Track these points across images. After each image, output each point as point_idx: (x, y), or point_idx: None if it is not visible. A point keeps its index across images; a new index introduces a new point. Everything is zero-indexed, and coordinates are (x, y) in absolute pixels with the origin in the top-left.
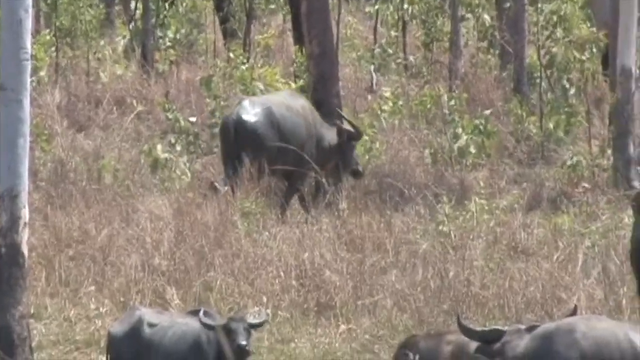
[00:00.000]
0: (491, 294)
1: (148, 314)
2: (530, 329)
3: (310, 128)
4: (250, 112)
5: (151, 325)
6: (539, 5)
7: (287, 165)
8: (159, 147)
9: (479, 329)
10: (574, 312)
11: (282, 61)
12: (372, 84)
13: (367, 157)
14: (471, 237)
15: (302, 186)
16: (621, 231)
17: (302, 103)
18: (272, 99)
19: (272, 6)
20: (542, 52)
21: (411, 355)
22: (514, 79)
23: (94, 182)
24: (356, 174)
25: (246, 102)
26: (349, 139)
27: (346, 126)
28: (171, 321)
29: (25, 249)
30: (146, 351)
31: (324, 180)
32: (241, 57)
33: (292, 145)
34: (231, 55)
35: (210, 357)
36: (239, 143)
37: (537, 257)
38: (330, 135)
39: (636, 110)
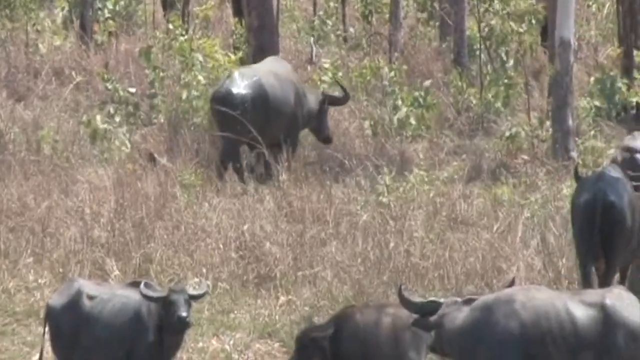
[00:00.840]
0: (431, 264)
1: (87, 286)
2: (468, 301)
3: (298, 92)
4: (240, 85)
5: (90, 297)
6: None
7: (280, 131)
8: (98, 117)
9: (417, 300)
10: (512, 283)
11: (222, 33)
12: (311, 55)
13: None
14: (411, 208)
15: (296, 149)
16: (560, 202)
17: (288, 69)
18: (260, 68)
19: None
20: (483, 24)
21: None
22: (454, 51)
23: (32, 153)
24: (327, 140)
25: (235, 75)
26: (331, 103)
27: (329, 92)
28: (110, 293)
29: None
30: (85, 323)
31: (265, 151)
32: (180, 29)
33: (284, 112)
34: (170, 26)
35: (150, 329)
36: (225, 116)
37: (476, 228)
38: (312, 99)
39: (575, 82)
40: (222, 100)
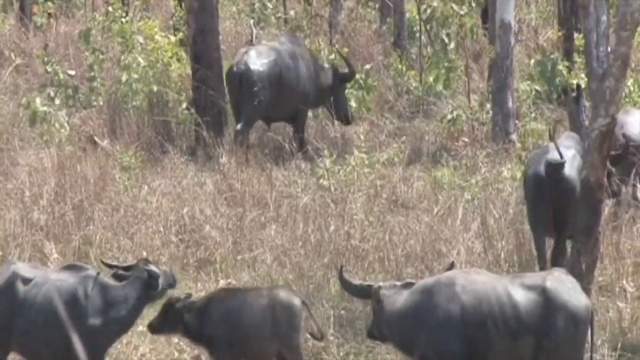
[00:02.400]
0: (371, 247)
1: (23, 269)
2: (406, 285)
3: (310, 69)
4: (257, 62)
5: (26, 280)
6: None
7: (292, 108)
8: (37, 100)
9: (357, 283)
10: (451, 267)
11: (161, 14)
12: (252, 37)
13: None
14: (351, 190)
15: (303, 127)
16: (500, 185)
17: (301, 45)
18: (276, 46)
19: None
20: (423, 6)
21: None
22: (394, 33)
23: None
24: (346, 119)
25: (252, 52)
26: (342, 80)
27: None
28: (46, 276)
29: None
30: (21, 306)
31: (205, 133)
32: (120, 11)
33: (297, 89)
34: (110, 8)
35: (88, 312)
36: (244, 92)
37: (417, 211)
38: (324, 76)
39: (515, 65)
40: (240, 76)
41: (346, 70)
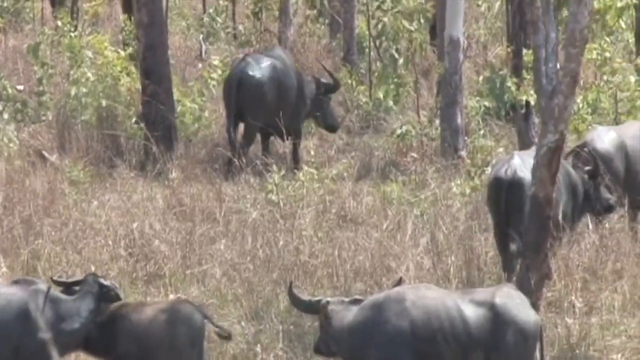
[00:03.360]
0: (320, 262)
1: None
2: (354, 301)
3: (300, 81)
4: (256, 69)
5: None
6: None
7: (285, 119)
8: None
9: (306, 299)
10: (399, 282)
11: (111, 29)
12: (201, 52)
13: (196, 125)
14: (301, 206)
15: (300, 139)
16: (449, 200)
17: (290, 57)
18: (272, 54)
19: None
20: (372, 22)
21: None
22: (344, 49)
23: None
24: (332, 128)
25: (250, 59)
26: (326, 91)
27: (323, 79)
28: None
29: None
30: None
31: (154, 148)
32: (69, 25)
33: (289, 99)
34: (59, 23)
35: (39, 326)
36: (241, 99)
37: (366, 226)
38: (309, 88)
39: (464, 81)
40: (244, 84)
41: (329, 81)
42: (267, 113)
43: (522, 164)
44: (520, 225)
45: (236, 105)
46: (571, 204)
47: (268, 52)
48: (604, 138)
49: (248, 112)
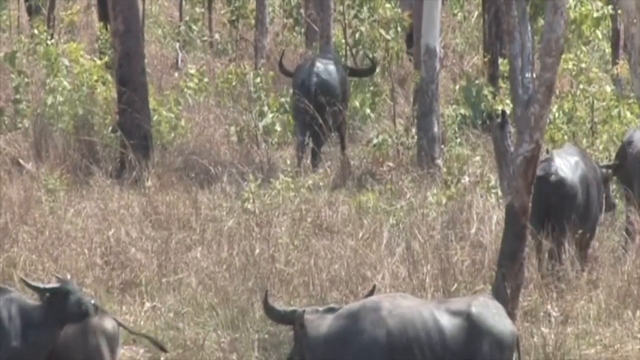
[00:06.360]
0: (296, 271)
1: None
2: (329, 310)
3: (345, 78)
4: (326, 72)
5: None
6: None
7: (342, 116)
8: None
9: (280, 309)
10: (372, 291)
11: (87, 37)
12: (177, 61)
13: (172, 134)
14: (276, 214)
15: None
16: (425, 209)
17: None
18: (330, 55)
19: None
20: (349, 31)
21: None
22: None
23: None
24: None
25: (318, 62)
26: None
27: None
28: None
29: None
30: None
31: (130, 156)
32: (45, 34)
33: (345, 96)
34: (35, 31)
35: (11, 334)
36: (318, 102)
37: (342, 235)
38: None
39: (440, 90)
40: (321, 87)
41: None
42: (336, 112)
43: (563, 161)
44: (561, 222)
45: (315, 106)
46: (598, 199)
47: (325, 55)
48: None
49: (323, 114)
